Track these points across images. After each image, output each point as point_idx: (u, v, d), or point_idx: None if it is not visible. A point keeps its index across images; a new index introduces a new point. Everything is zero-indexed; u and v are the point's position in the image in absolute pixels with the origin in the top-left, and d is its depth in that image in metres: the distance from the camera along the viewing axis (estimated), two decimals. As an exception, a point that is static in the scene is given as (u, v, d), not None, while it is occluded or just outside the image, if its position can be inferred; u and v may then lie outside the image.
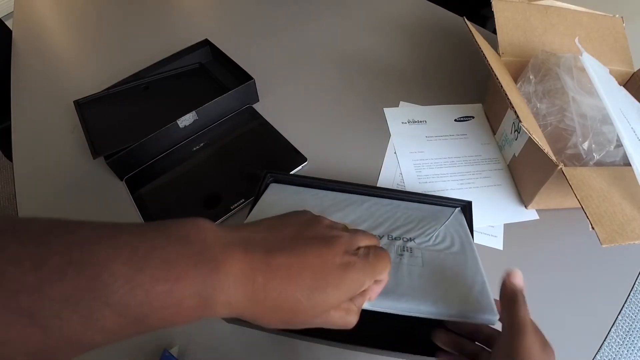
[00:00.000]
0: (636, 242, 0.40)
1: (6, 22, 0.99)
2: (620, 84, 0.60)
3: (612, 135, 0.50)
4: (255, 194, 0.47)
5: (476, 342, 0.36)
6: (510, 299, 0.30)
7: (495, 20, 0.61)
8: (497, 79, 0.50)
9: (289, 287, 0.24)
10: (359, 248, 0.29)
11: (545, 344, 0.28)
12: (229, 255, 0.22)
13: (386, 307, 0.33)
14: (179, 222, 0.22)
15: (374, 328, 0.45)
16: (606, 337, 0.45)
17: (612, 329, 0.46)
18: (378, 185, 0.58)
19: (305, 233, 0.27)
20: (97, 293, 0.18)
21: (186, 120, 0.61)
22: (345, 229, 0.30)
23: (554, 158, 0.44)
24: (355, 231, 0.30)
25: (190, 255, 0.21)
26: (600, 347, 0.45)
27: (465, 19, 0.60)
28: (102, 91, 0.67)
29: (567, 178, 0.43)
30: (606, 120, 0.50)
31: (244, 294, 0.22)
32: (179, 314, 0.21)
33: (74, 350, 0.20)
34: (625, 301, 0.48)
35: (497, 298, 0.32)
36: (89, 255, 0.19)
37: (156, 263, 0.20)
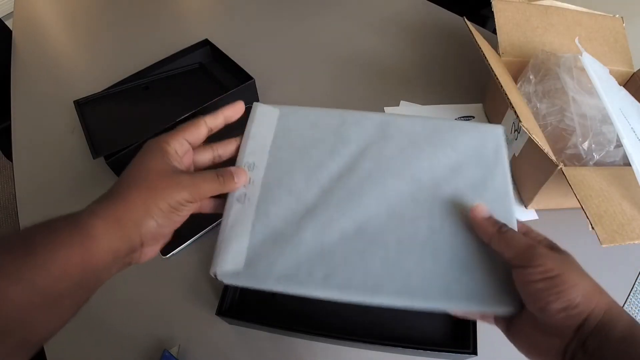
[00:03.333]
0: (636, 242, 0.40)
1: (6, 22, 0.99)
2: (620, 84, 0.60)
3: (612, 135, 0.50)
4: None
5: None
6: (495, 234, 0.29)
7: (495, 20, 0.61)
8: (497, 79, 0.50)
9: (123, 175, 0.29)
10: None
11: (555, 250, 0.27)
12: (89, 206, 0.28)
13: (396, 303, 0.30)
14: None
15: (371, 323, 0.45)
16: (606, 337, 0.45)
17: (612, 329, 0.46)
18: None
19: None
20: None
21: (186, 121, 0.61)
22: None
23: (554, 158, 0.44)
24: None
25: (62, 216, 0.26)
26: (600, 347, 0.45)
27: (465, 19, 0.60)
28: (102, 91, 0.67)
29: (567, 178, 0.43)
30: (606, 120, 0.50)
31: (100, 200, 0.27)
32: (59, 240, 0.25)
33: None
34: (625, 301, 0.48)
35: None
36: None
37: (39, 225, 0.26)
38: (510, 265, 0.28)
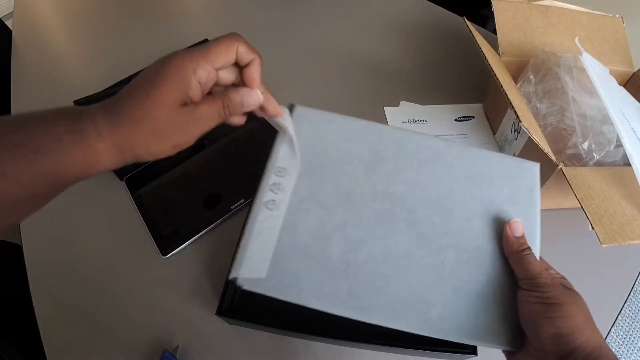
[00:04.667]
0: (636, 242, 0.40)
1: (6, 22, 0.99)
2: (620, 84, 0.60)
3: (612, 135, 0.50)
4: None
5: None
6: (517, 253, 0.30)
7: (495, 20, 0.61)
8: (497, 79, 0.50)
9: (131, 95, 0.28)
10: None
11: (565, 287, 0.29)
12: (89, 107, 0.28)
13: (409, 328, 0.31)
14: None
15: (371, 324, 0.45)
16: (606, 337, 0.45)
17: (612, 329, 0.46)
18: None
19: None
20: None
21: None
22: None
23: (554, 158, 0.44)
24: None
25: (63, 110, 0.28)
26: (600, 347, 0.45)
27: (465, 19, 0.60)
28: (102, 91, 0.67)
29: (567, 178, 0.43)
30: (606, 120, 0.50)
31: (106, 120, 0.27)
32: (64, 151, 0.26)
33: None
34: (625, 301, 0.48)
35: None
36: None
37: (38, 115, 0.27)
38: (518, 286, 0.30)
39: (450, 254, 0.32)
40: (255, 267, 0.31)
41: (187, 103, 0.28)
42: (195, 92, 0.29)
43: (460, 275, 0.32)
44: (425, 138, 0.37)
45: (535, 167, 0.36)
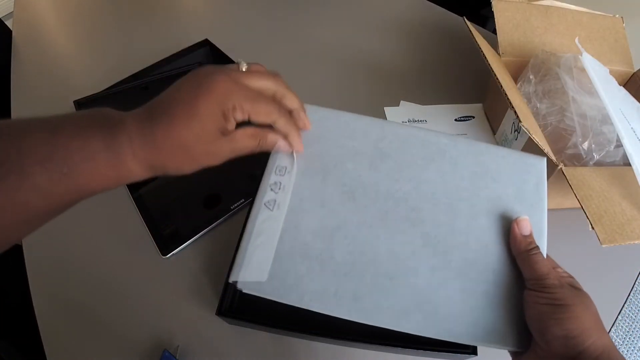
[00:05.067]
0: (636, 242, 0.40)
1: (6, 22, 0.99)
2: (620, 84, 0.60)
3: (612, 135, 0.50)
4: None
5: None
6: (525, 252, 0.30)
7: (495, 20, 0.61)
8: (497, 79, 0.50)
9: (171, 123, 0.27)
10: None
11: (573, 287, 0.28)
12: (126, 117, 0.28)
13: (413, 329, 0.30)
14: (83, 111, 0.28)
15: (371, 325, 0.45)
16: (606, 337, 0.45)
17: (612, 329, 0.46)
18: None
19: (189, 77, 0.30)
20: (23, 154, 0.23)
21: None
22: None
23: (554, 158, 0.44)
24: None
25: (96, 121, 0.27)
26: (600, 347, 0.45)
27: (465, 19, 0.60)
28: (102, 91, 0.67)
29: (567, 178, 0.43)
30: (606, 120, 0.50)
31: (142, 143, 0.27)
32: (97, 169, 0.26)
33: (14, 214, 0.24)
34: (625, 301, 0.48)
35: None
36: (16, 130, 0.25)
37: (69, 128, 0.26)
38: (525, 285, 0.30)
39: (457, 254, 0.31)
40: (256, 270, 0.31)
41: (223, 133, 0.29)
42: (232, 126, 0.30)
43: (468, 275, 0.31)
44: (429, 134, 0.36)
45: (541, 163, 0.35)
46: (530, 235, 0.31)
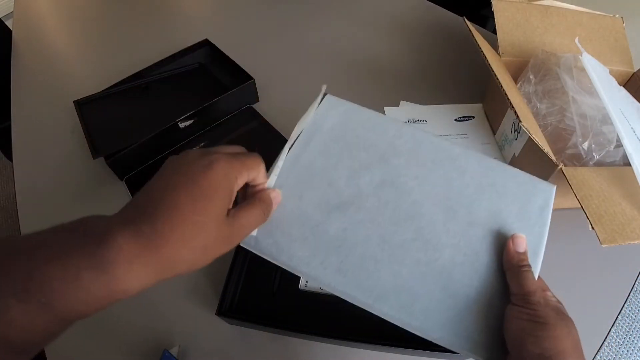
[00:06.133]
0: (636, 242, 0.40)
1: (6, 22, 0.99)
2: (620, 84, 0.60)
3: (612, 135, 0.50)
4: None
5: None
6: (516, 268, 0.30)
7: (495, 20, 0.61)
8: (497, 79, 0.50)
9: (173, 219, 0.24)
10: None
11: (558, 310, 0.28)
12: (112, 224, 0.24)
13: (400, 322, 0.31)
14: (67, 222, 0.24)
15: (371, 323, 0.45)
16: (606, 337, 0.45)
17: (612, 329, 0.46)
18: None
19: (172, 167, 0.28)
20: None
21: (186, 121, 0.61)
22: None
23: (554, 158, 0.44)
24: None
25: (77, 237, 0.23)
26: (600, 347, 0.45)
27: (465, 19, 0.60)
28: (102, 91, 0.67)
29: (567, 178, 0.43)
30: (606, 120, 0.50)
31: (139, 248, 0.23)
32: (84, 291, 0.22)
33: None
34: (625, 301, 0.48)
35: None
36: None
37: (47, 250, 0.22)
38: (509, 300, 0.29)
39: (446, 253, 0.32)
40: None
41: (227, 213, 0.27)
42: (234, 195, 0.28)
43: (452, 276, 0.31)
44: (444, 142, 0.38)
45: (551, 189, 0.35)
46: (524, 253, 0.31)
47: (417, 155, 0.37)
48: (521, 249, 0.31)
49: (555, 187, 0.36)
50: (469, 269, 0.32)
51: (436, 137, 0.38)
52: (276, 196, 0.33)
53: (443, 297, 0.31)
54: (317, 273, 0.32)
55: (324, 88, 0.39)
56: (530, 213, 0.34)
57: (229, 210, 0.28)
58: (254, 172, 0.30)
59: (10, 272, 0.21)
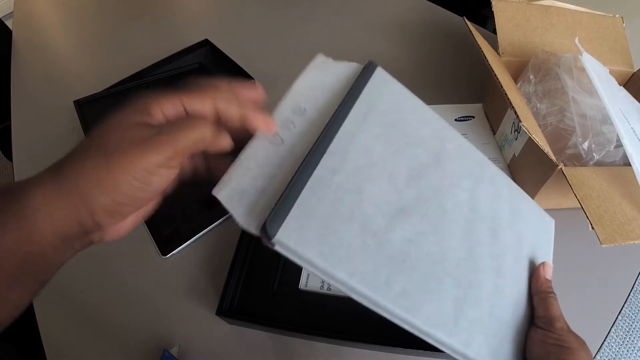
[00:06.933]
0: (636, 242, 0.40)
1: (6, 22, 0.99)
2: (620, 84, 0.60)
3: (612, 135, 0.50)
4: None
5: None
6: (545, 292, 0.32)
7: (495, 20, 0.61)
8: (497, 79, 0.50)
9: (81, 150, 0.22)
10: None
11: (577, 336, 0.30)
12: (28, 179, 0.22)
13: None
14: None
15: (371, 323, 0.45)
16: (606, 337, 0.45)
17: (612, 329, 0.46)
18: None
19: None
20: None
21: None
22: None
23: (554, 158, 0.44)
24: None
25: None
26: (600, 347, 0.45)
27: (465, 19, 0.60)
28: (103, 91, 0.67)
29: (567, 178, 0.43)
30: (606, 120, 0.50)
31: (54, 186, 0.21)
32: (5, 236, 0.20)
33: None
34: (625, 301, 0.48)
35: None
36: None
37: None
38: (534, 322, 0.31)
39: (490, 277, 0.31)
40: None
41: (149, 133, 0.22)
42: (156, 118, 0.23)
43: (496, 301, 0.31)
44: (484, 157, 0.36)
45: (551, 222, 0.39)
46: (550, 281, 0.33)
47: (465, 166, 0.33)
48: (549, 277, 0.33)
49: (553, 221, 0.39)
50: (507, 294, 0.32)
51: (476, 149, 0.35)
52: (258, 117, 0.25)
53: (490, 323, 0.30)
54: (380, 296, 0.25)
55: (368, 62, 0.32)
56: (542, 244, 0.36)
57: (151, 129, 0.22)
58: (191, 101, 0.24)
59: None
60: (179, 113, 0.24)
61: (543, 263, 0.34)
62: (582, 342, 0.29)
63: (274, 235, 0.22)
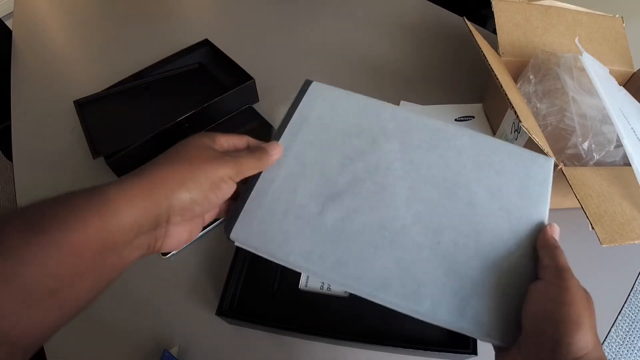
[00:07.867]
0: (636, 242, 0.40)
1: (6, 22, 0.99)
2: (620, 84, 0.60)
3: (612, 135, 0.50)
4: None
5: None
6: (552, 245, 0.30)
7: (495, 20, 0.61)
8: (497, 79, 0.50)
9: (160, 160, 0.28)
10: None
11: (584, 289, 0.28)
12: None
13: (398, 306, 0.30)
14: None
15: (371, 323, 0.45)
16: (606, 337, 0.45)
17: (612, 329, 0.46)
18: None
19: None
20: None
21: (186, 121, 0.61)
22: None
23: (554, 158, 0.44)
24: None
25: (83, 191, 0.25)
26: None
27: (465, 19, 0.60)
28: (102, 91, 0.67)
29: (567, 178, 0.43)
30: (606, 120, 0.50)
31: (130, 187, 0.25)
32: (81, 220, 0.23)
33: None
34: (625, 301, 0.48)
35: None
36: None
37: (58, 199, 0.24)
38: (538, 276, 0.29)
39: (448, 236, 0.32)
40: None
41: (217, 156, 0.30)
42: (219, 147, 0.32)
43: (455, 259, 0.31)
44: (438, 123, 0.37)
45: (549, 162, 0.35)
46: (558, 240, 0.31)
47: (411, 138, 0.36)
48: (557, 236, 0.31)
49: (552, 159, 0.35)
50: (472, 251, 0.31)
51: (429, 118, 0.37)
52: (275, 147, 0.34)
53: (448, 281, 0.30)
54: (317, 267, 0.31)
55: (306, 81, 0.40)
56: (530, 189, 0.33)
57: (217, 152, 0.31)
58: (234, 139, 0.33)
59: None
60: (232, 145, 0.33)
61: (550, 224, 0.32)
62: (587, 296, 0.27)
63: (229, 235, 0.32)
